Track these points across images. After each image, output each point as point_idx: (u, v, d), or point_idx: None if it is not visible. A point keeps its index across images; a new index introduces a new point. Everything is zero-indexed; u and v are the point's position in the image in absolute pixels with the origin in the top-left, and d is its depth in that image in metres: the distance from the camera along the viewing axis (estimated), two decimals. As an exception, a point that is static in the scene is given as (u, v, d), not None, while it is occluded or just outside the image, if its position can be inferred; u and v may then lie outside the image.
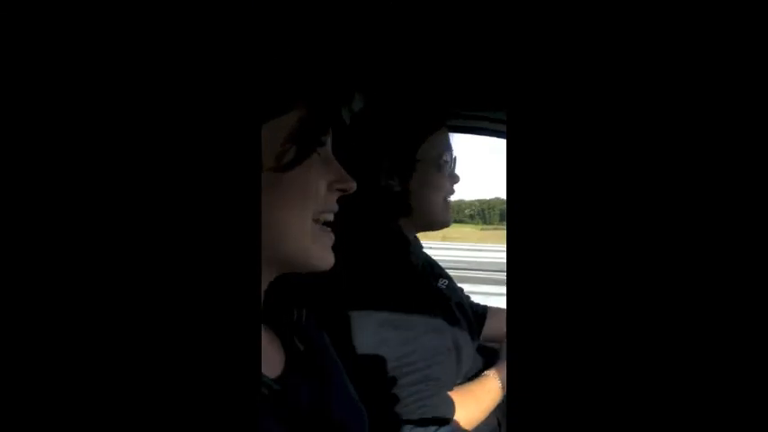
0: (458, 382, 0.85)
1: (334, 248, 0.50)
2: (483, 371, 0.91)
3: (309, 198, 0.47)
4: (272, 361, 0.51)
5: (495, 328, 1.06)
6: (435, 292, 0.87)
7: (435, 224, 0.90)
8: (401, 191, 0.86)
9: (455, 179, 0.90)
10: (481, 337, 1.08)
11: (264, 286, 0.50)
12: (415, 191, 0.86)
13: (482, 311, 1.10)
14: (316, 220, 0.48)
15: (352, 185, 0.50)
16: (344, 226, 0.86)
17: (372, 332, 0.73)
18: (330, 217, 0.50)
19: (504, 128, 1.10)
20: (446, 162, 0.88)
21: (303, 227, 0.47)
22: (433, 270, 0.97)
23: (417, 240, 0.99)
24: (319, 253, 0.49)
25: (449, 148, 0.90)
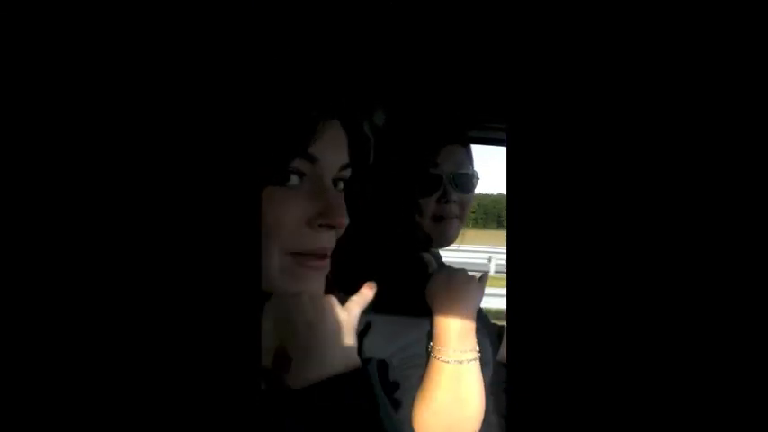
0: None
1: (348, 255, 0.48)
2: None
3: (271, 231, 0.42)
4: None
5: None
6: None
7: (435, 241, 0.90)
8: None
9: (449, 198, 0.88)
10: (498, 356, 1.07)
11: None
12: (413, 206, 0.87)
13: (498, 332, 1.09)
14: (292, 254, 0.44)
15: (340, 222, 0.45)
16: (365, 225, 0.88)
17: (376, 335, 0.72)
18: (316, 251, 0.45)
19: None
20: (472, 174, 0.89)
21: (267, 262, 0.42)
22: None
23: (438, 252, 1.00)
24: (284, 285, 0.44)
25: (470, 160, 0.91)
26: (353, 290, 0.54)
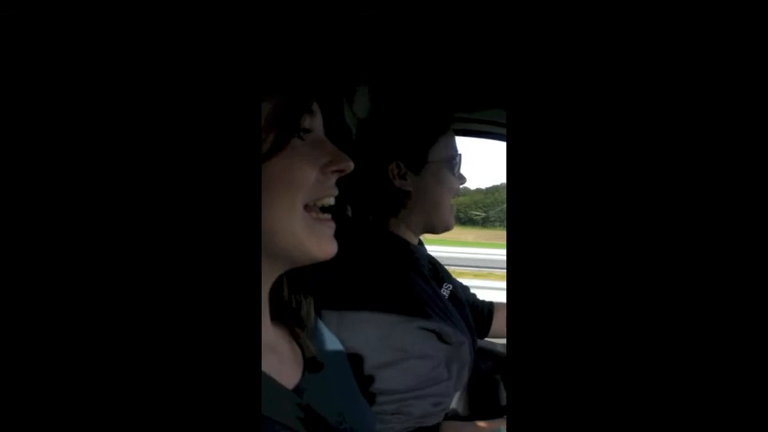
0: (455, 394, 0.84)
1: (339, 244, 0.49)
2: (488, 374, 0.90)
3: (295, 187, 0.45)
4: (290, 365, 0.51)
5: (503, 324, 1.06)
6: (434, 299, 0.85)
7: (440, 226, 0.91)
8: (410, 190, 0.87)
9: (462, 179, 0.92)
10: (490, 333, 1.10)
11: (270, 283, 0.49)
12: (426, 190, 0.88)
13: (488, 309, 1.11)
14: (309, 208, 0.47)
15: (348, 165, 0.48)
16: (349, 226, 0.87)
17: (356, 333, 0.71)
18: (329, 201, 0.49)
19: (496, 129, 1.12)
20: (456, 163, 0.90)
21: (293, 219, 0.45)
22: (437, 275, 0.96)
23: (421, 244, 0.99)
24: (315, 244, 0.47)
25: (456, 149, 0.91)
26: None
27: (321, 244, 0.47)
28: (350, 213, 0.99)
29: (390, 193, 0.87)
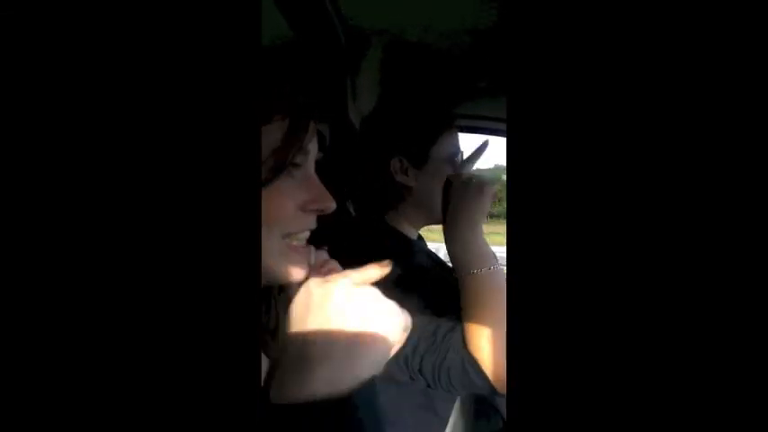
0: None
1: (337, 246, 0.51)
2: None
3: (271, 222, 0.47)
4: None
5: None
6: (432, 293, 0.85)
7: (439, 219, 0.91)
8: (412, 186, 0.88)
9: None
10: None
11: None
12: (428, 186, 0.88)
13: None
14: (285, 236, 0.49)
15: (329, 206, 0.50)
16: (349, 223, 0.87)
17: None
18: (305, 235, 0.50)
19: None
20: (458, 160, 0.90)
21: (266, 246, 0.46)
22: (437, 270, 0.96)
23: (421, 238, 0.99)
24: (283, 270, 0.49)
25: (458, 146, 0.92)
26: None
27: (291, 270, 0.49)
28: (351, 208, 0.99)
29: (391, 187, 0.88)
